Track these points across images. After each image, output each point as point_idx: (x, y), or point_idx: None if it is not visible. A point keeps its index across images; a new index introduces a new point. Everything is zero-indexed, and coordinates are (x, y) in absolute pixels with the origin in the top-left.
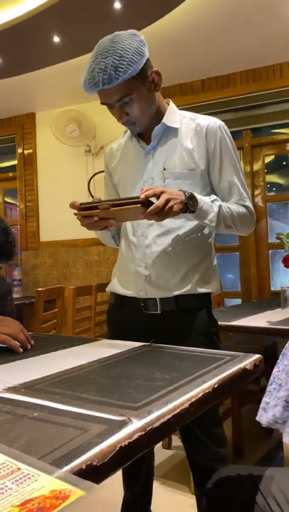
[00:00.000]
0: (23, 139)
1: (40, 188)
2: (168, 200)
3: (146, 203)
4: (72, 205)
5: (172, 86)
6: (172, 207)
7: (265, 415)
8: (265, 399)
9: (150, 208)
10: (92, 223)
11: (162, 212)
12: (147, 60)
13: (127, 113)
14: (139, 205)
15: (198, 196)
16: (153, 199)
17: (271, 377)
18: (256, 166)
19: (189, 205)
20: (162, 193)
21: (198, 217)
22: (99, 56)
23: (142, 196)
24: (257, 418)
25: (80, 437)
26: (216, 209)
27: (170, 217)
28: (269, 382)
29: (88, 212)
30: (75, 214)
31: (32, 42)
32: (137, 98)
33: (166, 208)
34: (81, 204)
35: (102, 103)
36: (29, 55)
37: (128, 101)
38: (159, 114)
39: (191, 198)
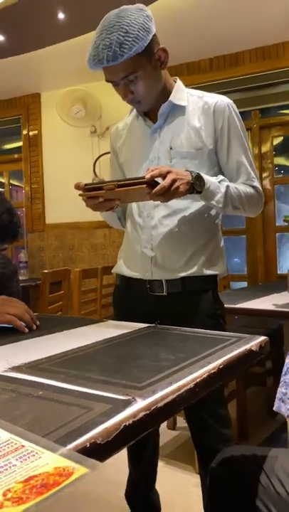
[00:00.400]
0: (28, 119)
1: (45, 169)
2: (174, 181)
3: (151, 183)
4: (77, 186)
5: (179, 65)
6: (178, 187)
7: (284, 406)
8: (281, 389)
9: (156, 189)
10: (97, 204)
11: (168, 193)
12: (154, 36)
13: (132, 91)
14: (145, 185)
15: (205, 176)
16: (159, 179)
17: (285, 368)
18: (264, 148)
19: (196, 186)
20: (168, 173)
21: (205, 198)
22: (104, 32)
23: (148, 176)
24: (275, 408)
25: (84, 416)
26: (223, 190)
27: (176, 198)
28: (283, 373)
29: (93, 193)
30: (80, 195)
31: (36, 19)
32: (142, 76)
33: (172, 188)
34: (86, 185)
35: (107, 81)
36: (33, 33)
37: (133, 79)
38: (166, 92)
39: (198, 178)
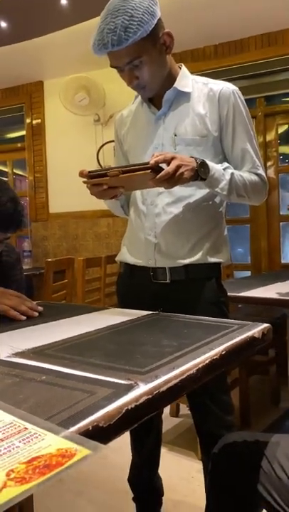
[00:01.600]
0: (31, 108)
1: (49, 158)
2: (178, 167)
3: (156, 169)
4: (81, 174)
5: (183, 52)
6: (182, 173)
7: None
8: None
9: (160, 174)
10: (101, 192)
11: (172, 179)
12: (159, 20)
13: (136, 77)
14: (149, 171)
15: (210, 163)
16: (163, 165)
17: None
18: (269, 136)
19: (200, 173)
20: (173, 158)
21: (209, 185)
22: (109, 16)
23: (152, 162)
24: None
25: (87, 400)
26: (227, 177)
27: (180, 185)
28: None
29: (97, 180)
30: (84, 182)
31: (39, 6)
32: (147, 61)
33: (177, 174)
34: (90, 172)
35: (111, 66)
36: (36, 20)
37: (138, 64)
38: (171, 79)
39: (203, 165)
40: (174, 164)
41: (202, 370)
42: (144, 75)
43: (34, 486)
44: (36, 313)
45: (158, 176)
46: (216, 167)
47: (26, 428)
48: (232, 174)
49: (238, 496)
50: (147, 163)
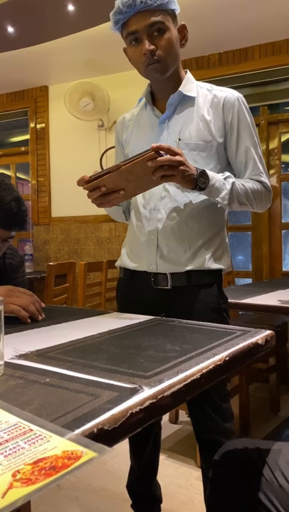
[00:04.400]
0: (35, 112)
1: (52, 163)
2: (180, 163)
3: (160, 154)
4: (80, 182)
5: (188, 59)
6: (179, 173)
7: None
8: None
9: (162, 158)
10: (101, 197)
11: (169, 170)
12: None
13: (154, 46)
14: (152, 152)
15: (211, 173)
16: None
17: None
18: (272, 145)
19: (199, 182)
20: (177, 155)
21: (209, 195)
22: None
23: (154, 146)
24: None
25: (91, 402)
26: (228, 186)
27: (171, 183)
28: None
29: (96, 182)
30: (84, 188)
31: (45, 11)
32: (168, 34)
33: (176, 168)
34: (90, 177)
35: (129, 33)
36: (42, 25)
37: (158, 32)
38: (177, 82)
39: (202, 174)
40: (177, 158)
41: (206, 375)
42: (162, 45)
43: (41, 487)
44: (40, 318)
45: (160, 158)
46: (216, 177)
47: (31, 429)
48: (233, 183)
49: (239, 504)
50: (148, 150)
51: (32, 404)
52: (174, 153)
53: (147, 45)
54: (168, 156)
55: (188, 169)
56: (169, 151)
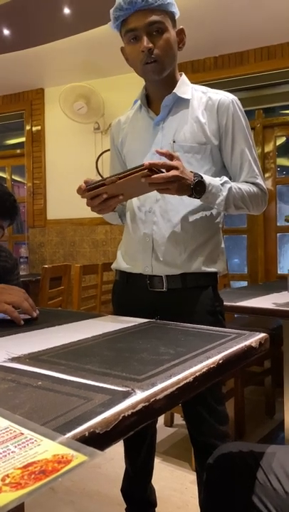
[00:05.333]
0: (31, 115)
1: (47, 165)
2: (176, 177)
3: (154, 170)
4: (80, 189)
5: (184, 63)
6: (175, 187)
7: None
8: None
9: (154, 176)
10: (102, 203)
11: (164, 186)
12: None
13: (152, 44)
14: (146, 170)
15: (208, 179)
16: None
17: None
18: (267, 148)
19: (195, 192)
20: (173, 168)
21: (206, 201)
22: None
23: (146, 164)
24: None
25: (83, 406)
26: (224, 193)
27: (168, 194)
28: None
29: (96, 191)
30: (83, 197)
31: (41, 14)
32: (166, 35)
33: (171, 184)
34: (87, 185)
35: (128, 30)
36: (38, 28)
37: (157, 32)
38: (172, 84)
39: (199, 183)
40: (172, 173)
41: (199, 378)
42: (160, 44)
43: (30, 491)
44: (35, 314)
45: (152, 176)
46: (213, 182)
47: (22, 433)
48: (230, 189)
49: (233, 508)
50: (142, 165)
51: (23, 408)
52: (170, 167)
53: (146, 43)
54: (162, 175)
55: (185, 180)
56: (164, 165)
